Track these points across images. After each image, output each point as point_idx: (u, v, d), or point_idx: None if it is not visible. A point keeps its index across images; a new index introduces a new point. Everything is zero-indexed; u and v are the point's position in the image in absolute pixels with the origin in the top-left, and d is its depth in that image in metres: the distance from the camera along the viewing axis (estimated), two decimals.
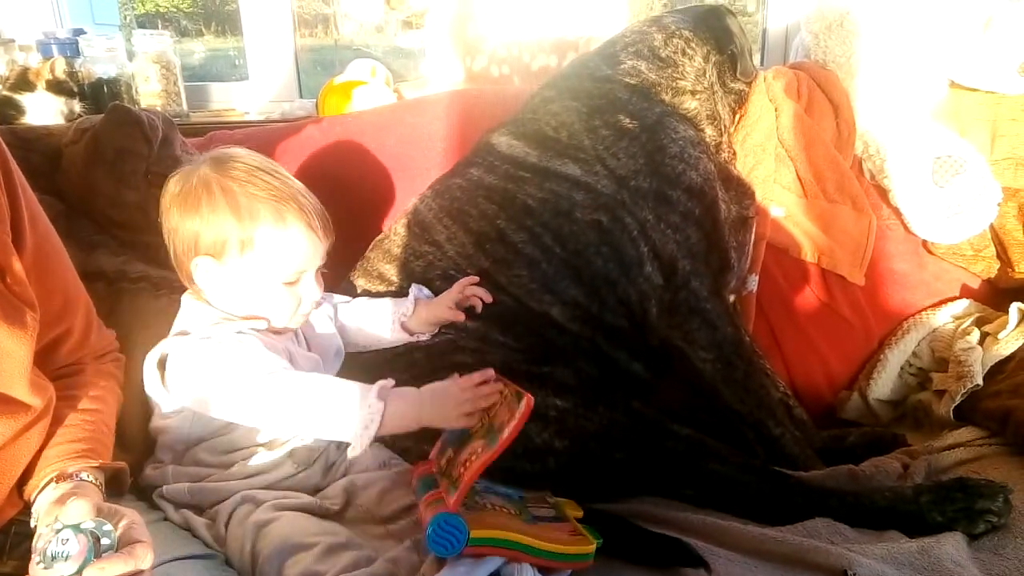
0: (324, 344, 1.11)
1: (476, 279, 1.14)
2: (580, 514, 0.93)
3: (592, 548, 0.83)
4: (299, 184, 1.01)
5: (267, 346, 0.95)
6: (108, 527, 0.66)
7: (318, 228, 0.98)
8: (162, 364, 0.96)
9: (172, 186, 0.98)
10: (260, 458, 0.96)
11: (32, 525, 0.76)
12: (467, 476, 0.79)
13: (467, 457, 0.82)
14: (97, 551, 0.65)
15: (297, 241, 0.97)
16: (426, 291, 1.16)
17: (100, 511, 0.69)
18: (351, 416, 0.87)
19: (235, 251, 0.95)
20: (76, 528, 0.65)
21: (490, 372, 0.88)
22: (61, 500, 0.74)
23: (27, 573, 0.64)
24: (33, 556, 0.65)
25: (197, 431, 0.96)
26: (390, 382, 0.90)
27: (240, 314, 0.99)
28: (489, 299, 1.12)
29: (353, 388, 0.89)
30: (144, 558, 0.66)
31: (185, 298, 1.03)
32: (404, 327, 1.13)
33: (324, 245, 1.01)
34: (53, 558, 0.63)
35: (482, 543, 0.77)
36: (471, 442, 0.85)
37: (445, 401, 0.87)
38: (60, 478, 0.79)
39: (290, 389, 0.89)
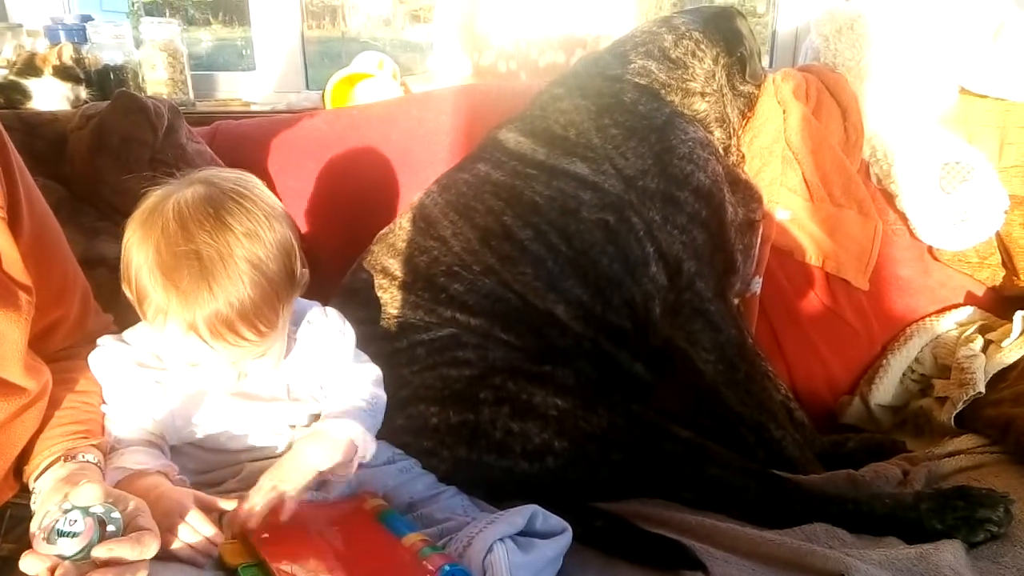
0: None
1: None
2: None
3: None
4: (255, 254, 0.79)
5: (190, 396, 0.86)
6: (116, 514, 0.67)
7: (203, 329, 0.78)
8: None
9: (149, 198, 0.83)
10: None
11: (32, 504, 0.77)
12: None
13: None
14: (102, 535, 0.65)
15: (175, 337, 0.81)
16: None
17: (109, 495, 0.69)
18: None
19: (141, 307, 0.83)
20: (85, 511, 0.66)
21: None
22: (69, 480, 0.74)
23: (24, 554, 0.64)
24: (38, 533, 0.65)
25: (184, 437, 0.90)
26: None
27: None
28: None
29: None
30: (150, 547, 0.67)
31: None
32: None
33: (232, 350, 0.81)
34: (59, 535, 0.64)
35: None
36: None
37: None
38: (67, 457, 0.79)
39: None
